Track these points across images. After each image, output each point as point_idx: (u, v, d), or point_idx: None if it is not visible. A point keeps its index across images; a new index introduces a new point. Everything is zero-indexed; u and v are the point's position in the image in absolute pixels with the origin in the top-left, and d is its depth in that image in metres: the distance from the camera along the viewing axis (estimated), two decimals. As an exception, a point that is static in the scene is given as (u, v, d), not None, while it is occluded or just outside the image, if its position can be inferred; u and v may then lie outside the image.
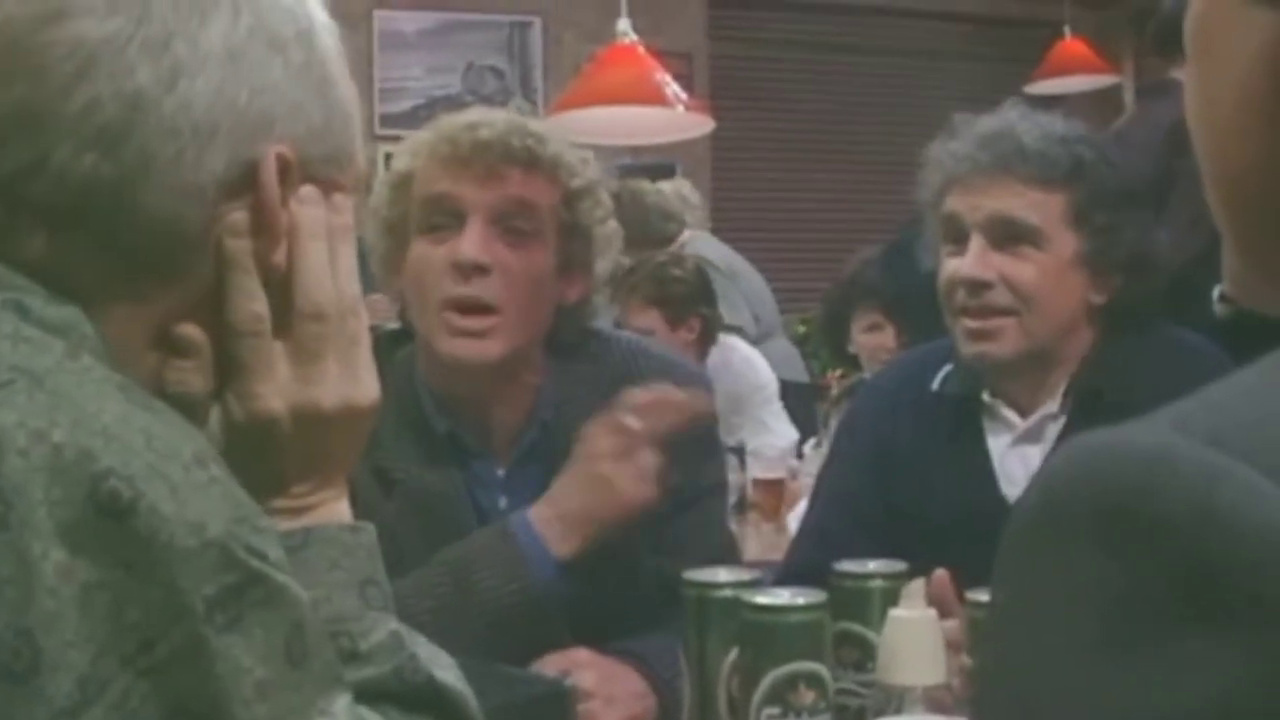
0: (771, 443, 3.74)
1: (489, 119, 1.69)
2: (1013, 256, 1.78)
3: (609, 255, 1.76)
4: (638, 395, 1.63)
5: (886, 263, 3.59)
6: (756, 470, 3.47)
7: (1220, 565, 0.44)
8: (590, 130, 3.25)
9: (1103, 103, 5.75)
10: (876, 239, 4.14)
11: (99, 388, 0.85)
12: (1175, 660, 0.44)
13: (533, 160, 1.66)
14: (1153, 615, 0.45)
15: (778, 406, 4.23)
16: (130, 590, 0.79)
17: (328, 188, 1.01)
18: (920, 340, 2.10)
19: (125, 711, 0.78)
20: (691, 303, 3.87)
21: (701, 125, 3.95)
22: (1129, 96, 5.98)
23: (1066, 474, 0.49)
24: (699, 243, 4.95)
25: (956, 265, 1.80)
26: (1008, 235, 1.78)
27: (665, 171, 5.62)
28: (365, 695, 0.94)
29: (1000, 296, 1.77)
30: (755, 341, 4.72)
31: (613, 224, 1.76)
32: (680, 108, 3.71)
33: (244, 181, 0.95)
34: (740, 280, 4.90)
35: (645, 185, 4.89)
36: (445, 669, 1.00)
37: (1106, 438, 0.48)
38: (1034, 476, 0.51)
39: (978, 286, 1.77)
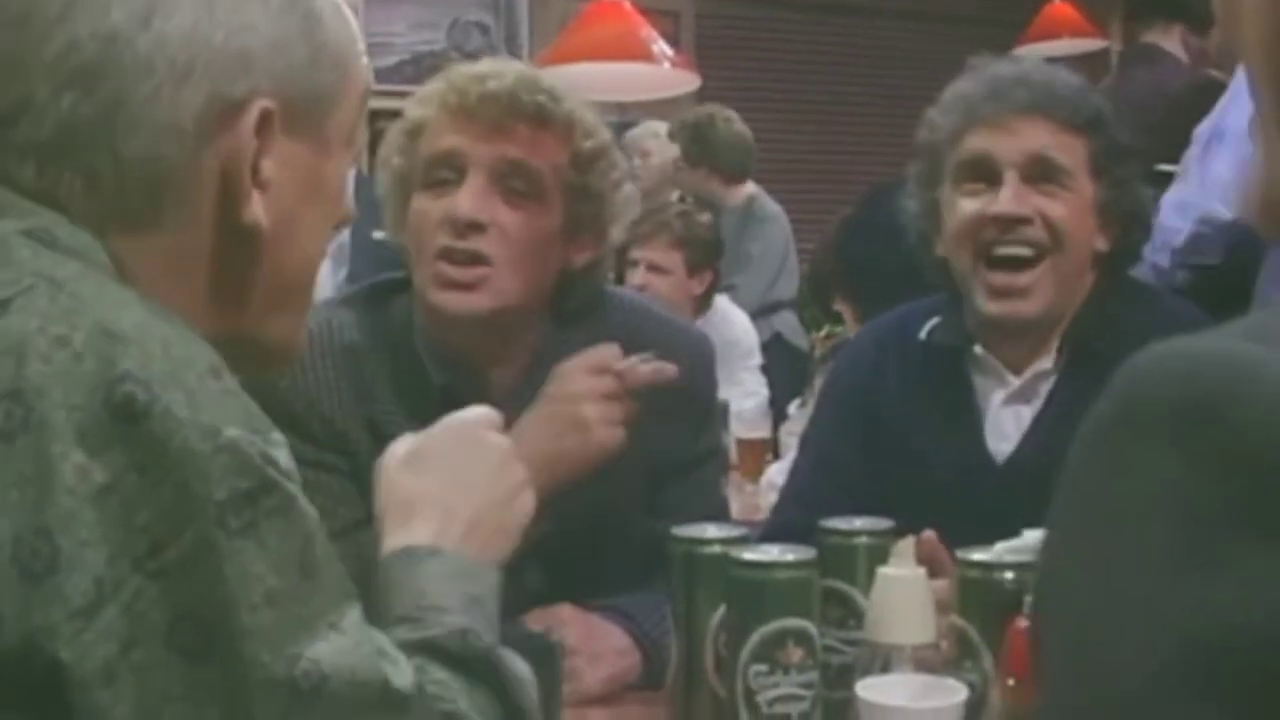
0: (742, 401, 3.73)
1: (500, 71, 1.66)
2: (1045, 195, 1.76)
3: (624, 220, 1.73)
4: (630, 362, 1.58)
5: (845, 242, 3.58)
6: (739, 430, 3.46)
7: None
8: (574, 86, 3.22)
9: (1090, 66, 5.73)
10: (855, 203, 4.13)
11: (119, 295, 0.88)
12: (1252, 568, 0.43)
13: (542, 117, 1.64)
14: (1230, 522, 0.44)
15: (753, 363, 4.22)
16: (142, 492, 0.80)
17: (311, 138, 1.02)
18: (887, 306, 2.07)
19: (134, 613, 0.80)
20: (711, 254, 3.88)
21: (687, 82, 3.94)
22: (1116, 60, 5.96)
23: (1145, 379, 0.49)
24: (765, 199, 4.97)
25: (985, 203, 1.76)
26: (1042, 174, 1.76)
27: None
28: (422, 650, 0.97)
29: (1035, 234, 1.75)
30: (772, 309, 4.73)
31: (629, 188, 1.73)
32: (666, 64, 3.70)
33: (225, 124, 0.96)
34: (791, 251, 4.92)
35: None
36: (514, 660, 1.04)
37: (1185, 344, 0.48)
38: (1111, 380, 0.50)
39: (1015, 222, 1.74)
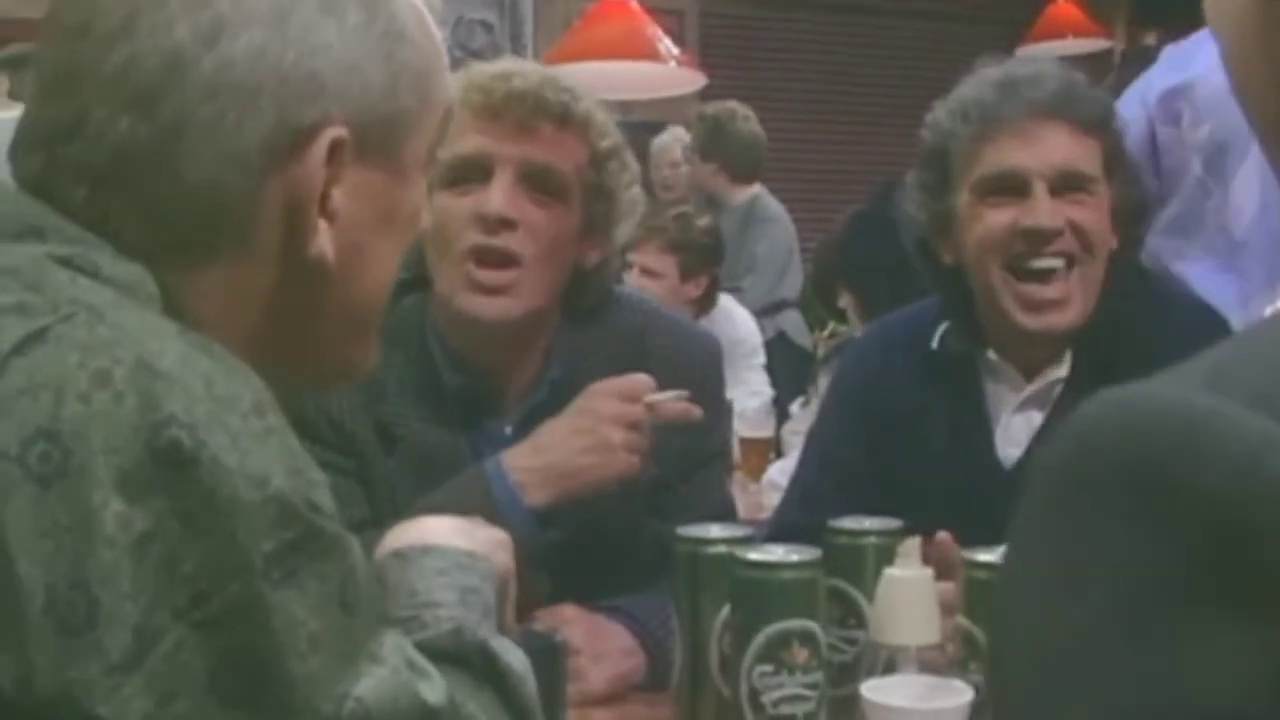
0: (746, 400, 3.73)
1: (522, 69, 1.66)
2: (1073, 204, 1.74)
3: (629, 221, 1.73)
4: (663, 397, 1.60)
5: (850, 238, 3.59)
6: (742, 429, 3.46)
7: (1268, 541, 0.40)
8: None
9: (1094, 66, 5.73)
10: (865, 199, 4.13)
11: (158, 325, 0.84)
12: (1217, 642, 0.41)
13: (566, 116, 1.64)
14: (1192, 593, 0.41)
15: (758, 363, 4.23)
16: (186, 542, 0.78)
17: (386, 165, 0.97)
18: (893, 305, 2.06)
19: (176, 664, 0.78)
20: (707, 261, 3.88)
21: (693, 81, 3.93)
22: (1119, 60, 5.95)
23: (1099, 432, 0.45)
24: (768, 199, 4.97)
25: (1015, 216, 1.73)
26: (1070, 185, 1.74)
27: (655, 131, 5.58)
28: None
29: (1067, 244, 1.73)
30: (776, 308, 4.73)
31: (636, 190, 1.73)
32: (671, 63, 3.69)
33: (293, 153, 0.91)
34: (795, 251, 4.92)
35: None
36: (510, 652, 1.02)
37: (1142, 395, 0.45)
38: (1061, 429, 0.47)
39: (1047, 235, 1.72)
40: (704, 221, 3.91)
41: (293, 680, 0.81)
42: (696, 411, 1.62)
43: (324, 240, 0.93)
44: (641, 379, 1.61)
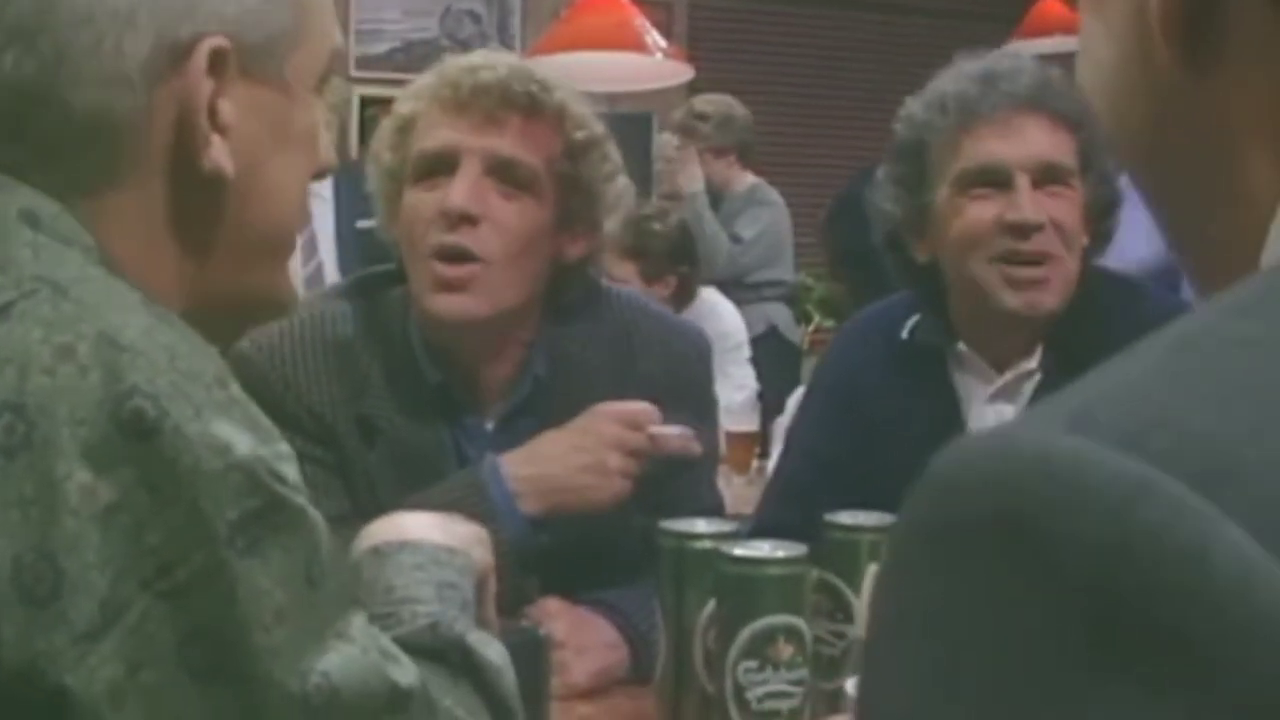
0: (731, 394, 3.73)
1: (492, 62, 1.65)
2: (1052, 197, 1.74)
3: (618, 213, 1.72)
4: (668, 431, 1.60)
5: (831, 220, 3.59)
6: (728, 423, 3.45)
7: (1139, 601, 0.36)
8: (566, 76, 3.21)
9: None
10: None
11: (123, 298, 0.85)
12: (1089, 717, 0.36)
13: (534, 107, 1.62)
14: (1059, 664, 0.37)
15: (742, 356, 4.22)
16: (152, 512, 0.79)
17: (272, 81, 0.98)
18: (874, 293, 2.05)
19: (142, 634, 0.78)
20: (669, 260, 3.84)
21: (680, 74, 3.93)
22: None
23: (955, 482, 0.41)
24: (766, 187, 4.96)
25: (999, 209, 1.73)
26: (1051, 178, 1.74)
27: (642, 123, 5.57)
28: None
29: (1048, 240, 1.72)
30: (774, 300, 4.74)
31: (622, 180, 1.71)
32: (659, 55, 3.69)
33: (174, 67, 0.92)
34: (790, 240, 4.92)
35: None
36: (488, 645, 1.02)
37: (1001, 438, 0.41)
38: (919, 483, 0.42)
39: (1030, 230, 1.72)
40: (662, 225, 3.85)
41: (257, 652, 0.81)
42: (698, 449, 1.62)
43: (219, 154, 0.94)
44: (647, 408, 1.61)
